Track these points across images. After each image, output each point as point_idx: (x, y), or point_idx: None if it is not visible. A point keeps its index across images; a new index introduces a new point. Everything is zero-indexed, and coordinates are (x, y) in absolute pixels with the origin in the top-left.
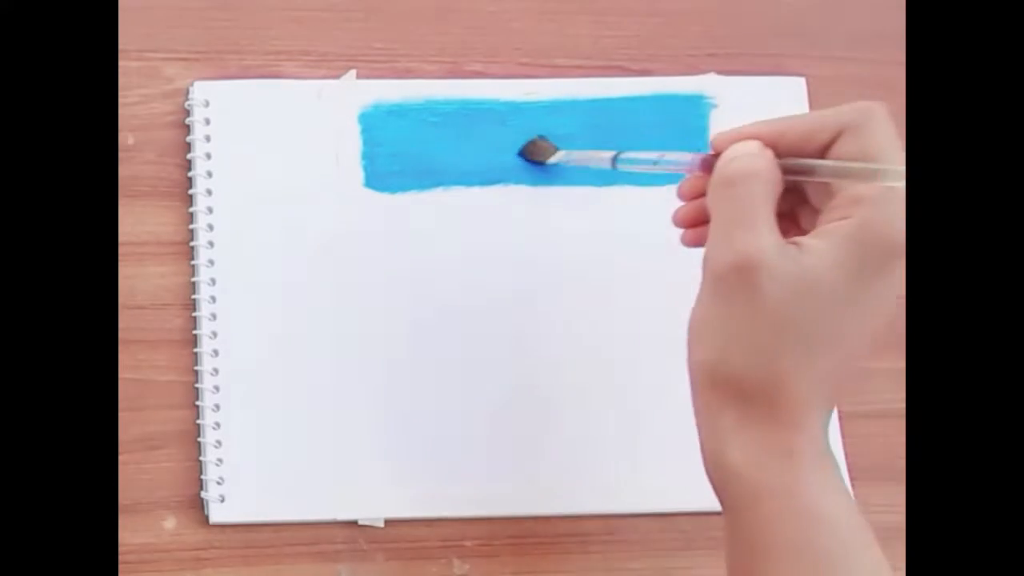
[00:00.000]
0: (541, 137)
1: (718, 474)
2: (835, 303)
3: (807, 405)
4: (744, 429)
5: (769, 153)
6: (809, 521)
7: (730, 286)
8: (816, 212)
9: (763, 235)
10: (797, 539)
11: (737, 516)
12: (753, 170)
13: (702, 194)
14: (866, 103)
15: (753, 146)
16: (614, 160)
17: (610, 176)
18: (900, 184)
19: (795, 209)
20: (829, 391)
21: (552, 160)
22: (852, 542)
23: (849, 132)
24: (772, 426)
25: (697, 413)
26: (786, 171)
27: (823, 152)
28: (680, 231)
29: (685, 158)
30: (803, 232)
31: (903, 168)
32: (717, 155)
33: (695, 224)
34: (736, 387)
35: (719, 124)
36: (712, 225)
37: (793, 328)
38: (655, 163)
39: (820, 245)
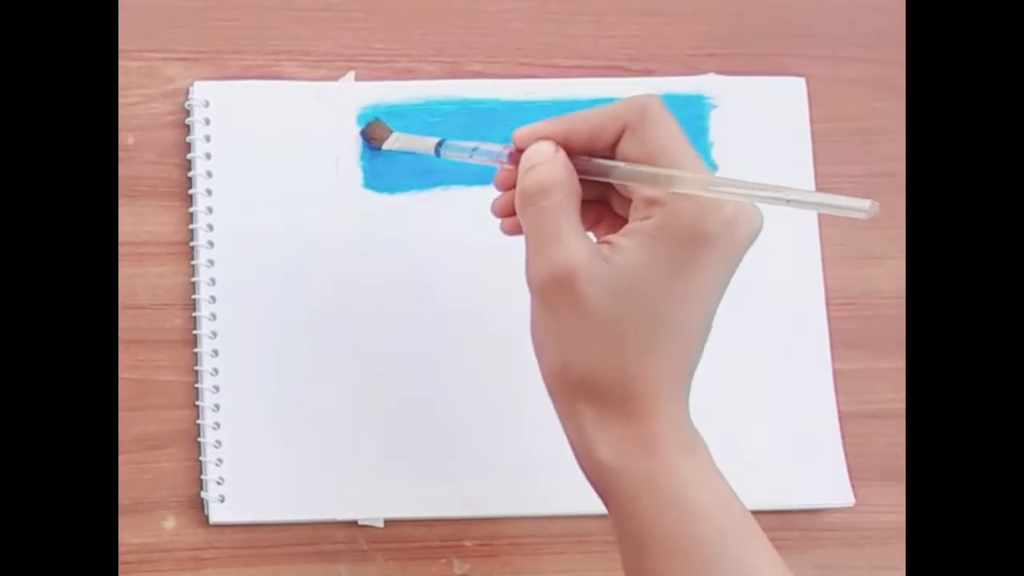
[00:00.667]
0: (377, 120)
1: (592, 473)
2: (657, 298)
3: (658, 395)
4: (606, 427)
5: (562, 156)
6: (680, 511)
7: (553, 297)
8: (624, 198)
9: (572, 244)
10: (671, 530)
11: (616, 512)
12: (551, 182)
13: (515, 184)
14: (640, 98)
15: (547, 150)
16: (438, 147)
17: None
18: (684, 191)
19: (605, 195)
20: (677, 378)
21: (385, 146)
22: (727, 529)
23: (630, 130)
24: (631, 420)
25: (560, 417)
26: (583, 172)
27: (612, 149)
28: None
29: (496, 149)
30: (617, 218)
31: (686, 174)
32: (521, 150)
33: (511, 213)
34: (588, 388)
35: (719, 124)
36: (525, 240)
37: (623, 326)
38: (472, 153)
39: (629, 244)
